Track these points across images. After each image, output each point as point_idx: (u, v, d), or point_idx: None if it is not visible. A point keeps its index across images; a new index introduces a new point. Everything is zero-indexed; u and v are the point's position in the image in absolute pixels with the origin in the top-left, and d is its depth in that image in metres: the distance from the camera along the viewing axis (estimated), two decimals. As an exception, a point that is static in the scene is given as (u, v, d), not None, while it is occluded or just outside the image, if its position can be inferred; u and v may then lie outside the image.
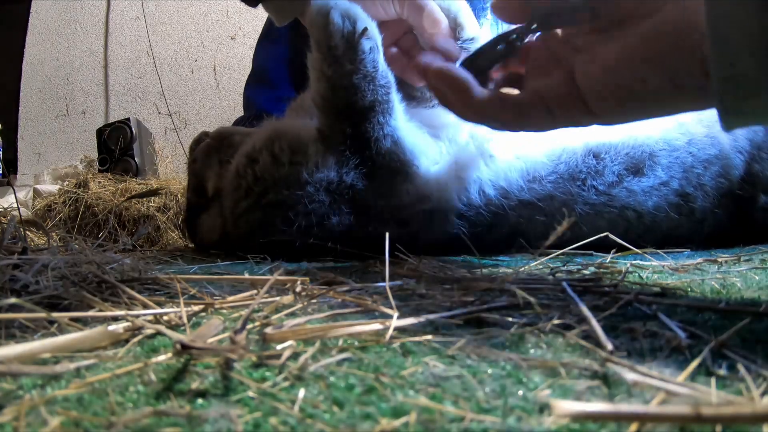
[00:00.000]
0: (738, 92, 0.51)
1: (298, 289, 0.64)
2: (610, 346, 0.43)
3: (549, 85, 0.64)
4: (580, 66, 0.62)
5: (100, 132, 2.48)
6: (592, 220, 1.07)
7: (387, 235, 0.69)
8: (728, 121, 0.54)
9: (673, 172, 1.12)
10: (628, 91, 0.59)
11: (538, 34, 0.69)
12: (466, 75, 0.68)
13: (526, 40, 0.70)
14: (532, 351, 0.45)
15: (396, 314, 0.51)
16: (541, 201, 1.08)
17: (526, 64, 0.69)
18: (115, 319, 0.53)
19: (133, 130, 2.43)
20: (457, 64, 0.72)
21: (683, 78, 0.55)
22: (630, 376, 0.38)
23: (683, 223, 1.14)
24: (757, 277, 0.75)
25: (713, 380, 0.37)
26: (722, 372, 0.40)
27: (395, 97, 1.00)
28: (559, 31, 0.68)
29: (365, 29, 0.93)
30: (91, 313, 0.55)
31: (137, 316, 0.53)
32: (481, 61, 0.72)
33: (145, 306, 0.58)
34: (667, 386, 0.36)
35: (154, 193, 1.05)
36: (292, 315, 0.57)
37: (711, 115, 0.92)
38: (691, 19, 0.54)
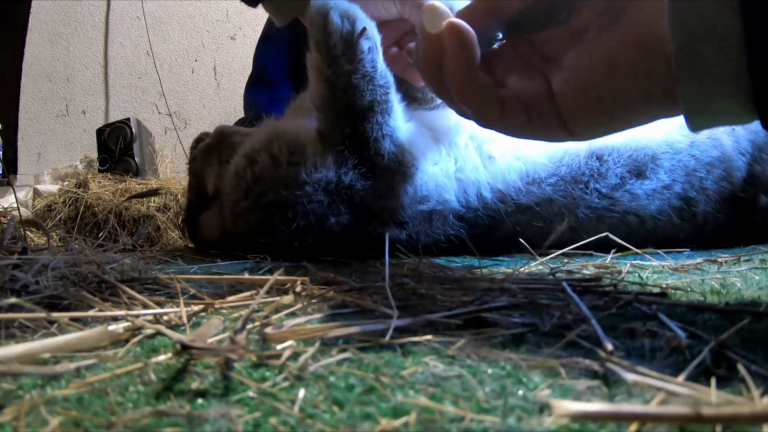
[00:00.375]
0: (703, 90, 0.51)
1: (298, 289, 0.64)
2: (610, 346, 0.43)
3: (529, 89, 0.63)
4: (556, 84, 0.61)
5: (100, 132, 2.47)
6: (593, 225, 1.07)
7: (387, 235, 0.69)
8: (694, 121, 0.54)
9: (675, 176, 1.12)
10: (600, 106, 0.58)
11: (502, 42, 0.68)
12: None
13: (495, 45, 0.69)
14: (532, 351, 0.45)
15: (396, 314, 0.51)
16: (540, 205, 1.08)
17: (500, 68, 0.67)
18: (115, 319, 0.53)
19: (133, 130, 2.43)
20: None
21: (652, 85, 0.55)
22: (630, 376, 0.38)
23: (685, 227, 1.14)
24: (757, 277, 0.75)
25: (713, 380, 0.37)
26: (722, 372, 0.40)
27: (394, 98, 1.00)
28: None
29: (364, 29, 0.93)
30: (91, 313, 0.55)
31: (137, 316, 0.53)
32: None
33: (145, 306, 0.58)
34: (667, 386, 0.36)
35: (154, 193, 1.05)
36: (292, 315, 0.57)
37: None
38: (655, 23, 0.53)
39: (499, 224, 1.08)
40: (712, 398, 0.35)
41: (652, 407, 0.33)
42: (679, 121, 0.55)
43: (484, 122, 0.67)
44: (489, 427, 0.33)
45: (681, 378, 0.38)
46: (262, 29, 2.00)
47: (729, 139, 1.16)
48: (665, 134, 1.13)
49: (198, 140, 1.34)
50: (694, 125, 0.54)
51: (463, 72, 0.64)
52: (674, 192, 1.12)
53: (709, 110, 0.52)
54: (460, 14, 0.66)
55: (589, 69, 0.58)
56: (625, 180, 1.10)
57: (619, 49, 0.56)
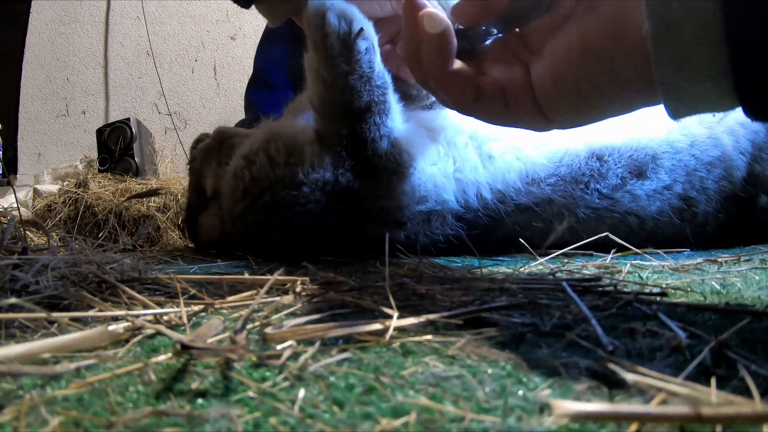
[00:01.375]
0: (681, 74, 0.50)
1: (298, 289, 0.64)
2: (610, 346, 0.43)
3: (508, 76, 0.64)
4: (534, 71, 0.62)
5: (100, 132, 2.48)
6: (593, 226, 1.07)
7: (387, 235, 0.69)
8: (674, 107, 0.53)
9: (676, 176, 1.12)
10: (576, 92, 0.58)
11: (496, 36, 0.69)
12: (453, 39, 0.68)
13: (488, 41, 0.69)
14: (532, 351, 0.45)
15: (396, 314, 0.51)
16: (540, 205, 1.08)
17: (488, 61, 0.68)
18: (115, 319, 0.53)
19: (133, 130, 2.43)
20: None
21: (628, 71, 0.54)
22: (630, 376, 0.38)
23: (685, 228, 1.14)
24: (757, 277, 0.75)
25: (713, 380, 0.37)
26: (722, 372, 0.40)
27: (392, 98, 1.00)
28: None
29: (361, 29, 0.93)
30: (91, 313, 0.55)
31: (137, 316, 0.53)
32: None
33: (145, 306, 0.58)
34: (667, 386, 0.36)
35: (154, 193, 1.05)
36: (292, 315, 0.57)
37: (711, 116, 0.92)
38: (630, 7, 0.53)
39: (498, 224, 1.08)
40: (712, 398, 0.35)
41: (652, 407, 0.33)
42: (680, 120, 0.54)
43: (462, 109, 0.68)
44: (489, 427, 0.33)
45: (681, 378, 0.38)
46: (263, 30, 2.01)
47: (729, 138, 1.16)
48: (666, 134, 1.13)
49: (198, 141, 1.34)
50: (674, 112, 0.53)
51: (437, 58, 0.65)
52: (675, 192, 1.12)
53: (690, 96, 0.51)
54: (454, 10, 0.66)
55: (565, 56, 0.58)
56: (625, 180, 1.10)
57: (594, 35, 0.56)
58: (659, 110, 0.55)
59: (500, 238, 1.08)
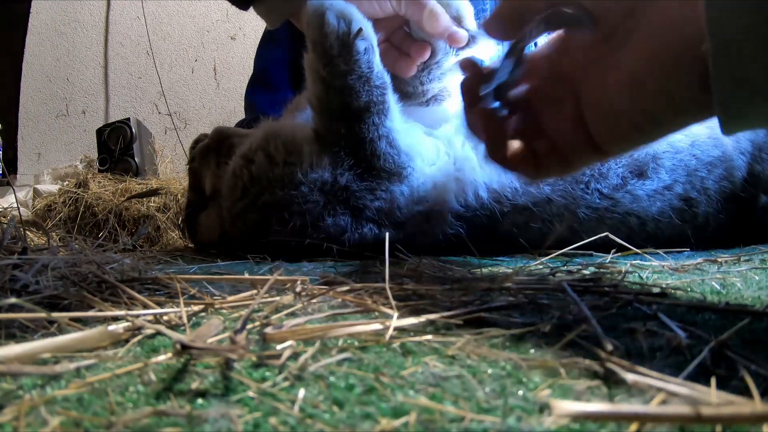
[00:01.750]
0: (742, 96, 0.48)
1: (298, 289, 0.64)
2: (610, 346, 0.43)
3: (559, 126, 0.63)
4: (585, 106, 0.60)
5: (100, 132, 2.48)
6: (594, 226, 1.07)
7: (387, 235, 0.69)
8: (730, 126, 0.52)
9: (676, 176, 1.12)
10: (631, 127, 0.57)
11: (541, 36, 0.67)
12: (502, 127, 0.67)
13: (531, 44, 0.67)
14: (532, 351, 0.45)
15: (396, 314, 0.51)
16: (538, 205, 1.08)
17: (532, 91, 0.67)
18: (115, 319, 0.53)
19: (133, 130, 2.43)
20: (485, 91, 0.69)
21: (684, 99, 0.53)
22: (630, 376, 0.38)
23: (686, 229, 1.14)
24: (757, 277, 0.75)
25: (713, 380, 0.37)
26: (722, 372, 0.40)
27: (391, 98, 1.00)
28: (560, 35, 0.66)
29: (360, 30, 0.93)
30: (91, 313, 0.55)
31: (137, 316, 0.53)
32: (503, 89, 0.68)
33: (145, 306, 0.58)
34: (667, 386, 0.36)
35: (153, 193, 1.05)
36: (292, 315, 0.57)
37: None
38: (681, 27, 0.51)
39: (496, 224, 1.08)
40: (712, 398, 0.35)
41: (652, 407, 0.33)
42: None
43: (529, 180, 0.68)
44: (489, 427, 0.33)
45: (681, 378, 0.38)
46: (263, 30, 2.00)
47: (729, 139, 1.16)
48: None
49: (197, 141, 1.34)
50: (729, 129, 0.52)
51: (497, 155, 0.67)
52: (675, 192, 1.12)
53: (748, 115, 0.50)
54: (488, 24, 0.65)
55: (617, 93, 0.57)
56: (626, 180, 1.10)
57: (646, 66, 0.54)
58: None
59: (499, 237, 1.08)
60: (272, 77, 1.88)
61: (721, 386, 0.36)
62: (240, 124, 1.75)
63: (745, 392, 0.36)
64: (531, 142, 0.66)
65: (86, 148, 3.48)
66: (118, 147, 2.39)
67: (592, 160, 0.65)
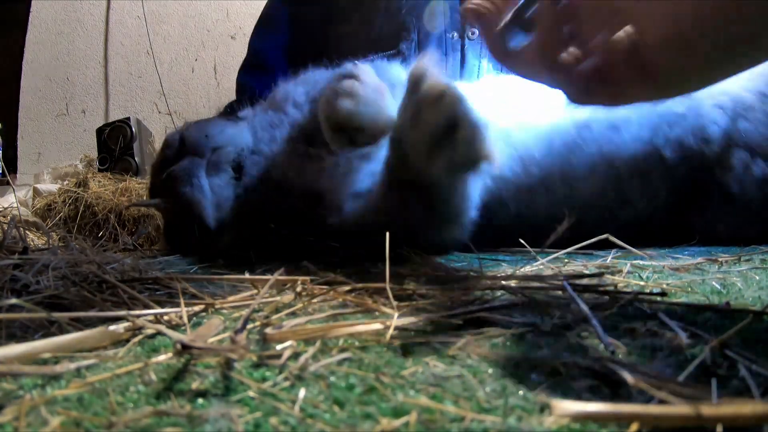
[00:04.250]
0: None
1: (298, 289, 0.64)
2: (610, 347, 0.43)
3: (611, 58, 0.57)
4: (643, 32, 0.55)
5: (100, 131, 2.48)
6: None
7: (387, 234, 0.68)
8: None
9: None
10: (700, 59, 0.52)
11: None
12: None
13: None
14: (532, 351, 0.45)
15: (396, 314, 0.51)
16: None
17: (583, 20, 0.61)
18: (116, 319, 0.53)
19: (133, 130, 2.43)
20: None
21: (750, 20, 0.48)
22: (630, 376, 0.38)
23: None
24: (757, 277, 0.75)
25: (713, 380, 0.37)
26: (722, 372, 0.40)
27: None
28: None
29: None
30: (91, 313, 0.55)
31: (138, 316, 0.53)
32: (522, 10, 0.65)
33: (146, 306, 0.58)
34: (667, 386, 0.36)
35: (154, 204, 1.04)
36: (293, 315, 0.57)
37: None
38: None
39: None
40: (713, 398, 0.35)
41: (652, 407, 0.33)
42: None
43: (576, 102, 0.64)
44: (490, 427, 0.33)
45: (681, 378, 0.38)
46: (259, 15, 1.98)
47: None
48: None
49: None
50: None
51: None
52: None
53: None
54: None
55: (673, 19, 0.52)
56: None
57: None
58: None
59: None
60: (269, 59, 1.86)
61: (721, 386, 0.37)
62: (230, 106, 1.73)
63: (745, 392, 0.36)
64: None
65: (86, 147, 3.47)
66: (118, 146, 2.39)
67: (645, 97, 0.60)
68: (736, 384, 0.38)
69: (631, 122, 1.13)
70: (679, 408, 0.30)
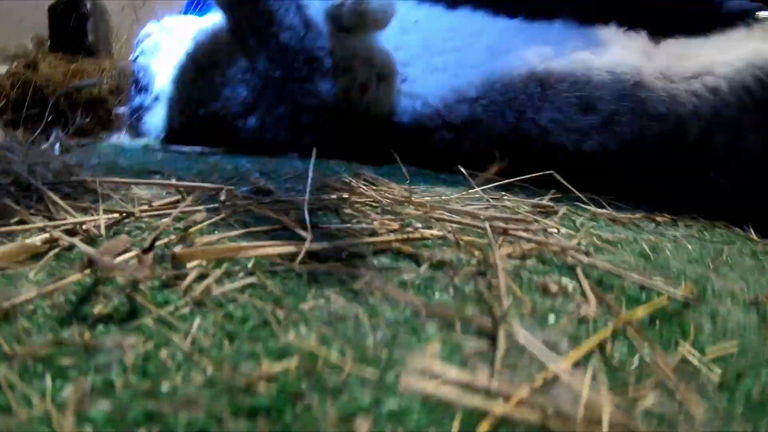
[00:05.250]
0: None
1: (222, 197, 0.63)
2: (507, 303, 0.43)
3: None
4: None
5: (52, 9, 2.39)
6: None
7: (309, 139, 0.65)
8: None
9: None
10: None
11: None
12: None
13: None
14: (437, 295, 0.46)
15: (310, 237, 0.50)
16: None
17: None
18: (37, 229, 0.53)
19: (88, 7, 2.35)
20: None
21: None
22: (522, 341, 0.38)
23: None
24: (690, 246, 0.73)
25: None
26: (617, 357, 0.41)
27: None
28: None
29: None
30: (10, 228, 0.53)
31: (55, 227, 0.52)
32: None
33: (69, 214, 0.57)
34: (551, 366, 0.37)
35: (92, 85, 1.01)
36: (213, 227, 0.56)
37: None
38: None
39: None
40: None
41: (506, 405, 0.34)
42: None
43: None
44: (366, 382, 0.34)
45: (568, 361, 0.38)
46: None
47: None
48: None
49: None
50: None
51: None
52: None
53: None
54: None
55: None
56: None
57: None
58: None
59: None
60: None
61: (618, 369, 0.38)
62: None
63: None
64: None
65: (37, 26, 3.35)
66: (70, 25, 2.31)
67: None
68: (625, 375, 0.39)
69: None
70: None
